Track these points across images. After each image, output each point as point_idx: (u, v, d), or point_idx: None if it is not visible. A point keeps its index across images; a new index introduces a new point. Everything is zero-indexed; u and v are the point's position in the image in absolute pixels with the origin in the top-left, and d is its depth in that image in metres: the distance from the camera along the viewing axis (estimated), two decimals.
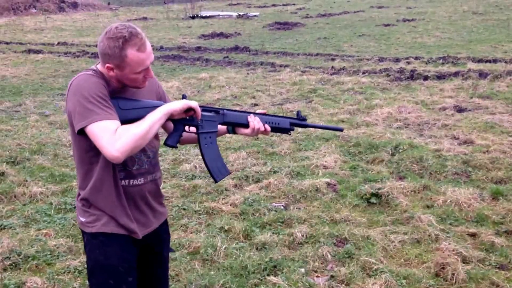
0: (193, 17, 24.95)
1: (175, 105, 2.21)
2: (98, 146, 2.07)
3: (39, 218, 4.68)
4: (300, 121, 2.50)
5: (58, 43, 17.08)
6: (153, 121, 2.14)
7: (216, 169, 2.43)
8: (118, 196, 2.28)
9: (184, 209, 4.80)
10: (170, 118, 2.24)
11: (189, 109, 2.27)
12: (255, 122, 2.41)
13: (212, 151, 2.40)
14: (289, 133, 2.53)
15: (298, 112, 2.54)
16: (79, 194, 2.35)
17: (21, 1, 30.47)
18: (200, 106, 2.31)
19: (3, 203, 5.00)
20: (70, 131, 2.26)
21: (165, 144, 2.35)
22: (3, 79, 11.62)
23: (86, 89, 2.11)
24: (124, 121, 2.15)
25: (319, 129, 6.56)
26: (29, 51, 15.56)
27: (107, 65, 2.16)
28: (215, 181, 2.46)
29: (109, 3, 36.08)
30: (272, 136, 6.88)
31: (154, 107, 2.22)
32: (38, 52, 15.33)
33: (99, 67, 2.25)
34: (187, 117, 2.31)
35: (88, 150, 2.20)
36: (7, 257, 3.94)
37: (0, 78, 11.67)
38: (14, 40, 18.31)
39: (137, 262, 2.42)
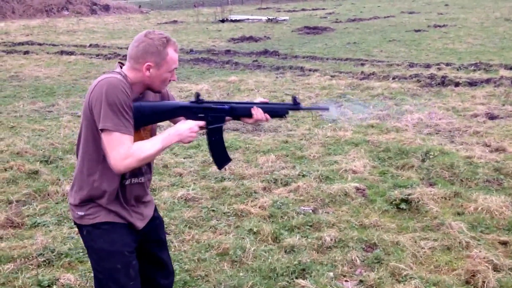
0: (222, 21, 25.10)
1: (185, 137, 2.44)
2: (107, 153, 2.29)
3: (71, 216, 4.75)
4: (294, 105, 2.69)
5: (90, 45, 17.36)
6: (164, 146, 2.37)
7: (220, 159, 2.72)
8: (120, 195, 2.44)
9: (213, 210, 4.84)
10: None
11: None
12: (258, 113, 2.60)
13: (219, 143, 2.66)
14: (285, 116, 2.74)
15: (295, 98, 2.70)
16: (76, 196, 2.44)
17: (54, 3, 31.11)
18: (209, 102, 2.57)
19: (37, 201, 5.11)
20: (83, 125, 2.38)
21: None
22: (37, 79, 11.87)
23: (115, 96, 2.27)
24: (147, 124, 2.47)
25: (347, 132, 6.52)
26: (62, 52, 15.84)
27: (148, 63, 2.34)
28: (219, 168, 2.82)
29: (140, 6, 36.55)
30: (301, 140, 6.90)
31: (173, 109, 2.51)
32: (70, 53, 15.60)
33: (126, 71, 2.39)
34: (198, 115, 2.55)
35: (102, 148, 2.34)
36: (41, 253, 4.03)
37: (33, 79, 11.92)
38: (47, 41, 18.67)
39: (138, 251, 2.56)
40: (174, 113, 2.53)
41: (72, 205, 2.48)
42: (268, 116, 2.64)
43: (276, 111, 2.68)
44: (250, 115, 2.61)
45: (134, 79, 2.38)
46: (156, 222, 2.69)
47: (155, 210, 2.72)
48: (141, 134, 2.45)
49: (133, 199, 2.51)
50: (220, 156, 2.71)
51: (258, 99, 2.69)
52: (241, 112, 2.62)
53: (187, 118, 2.51)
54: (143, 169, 2.52)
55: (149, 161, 2.39)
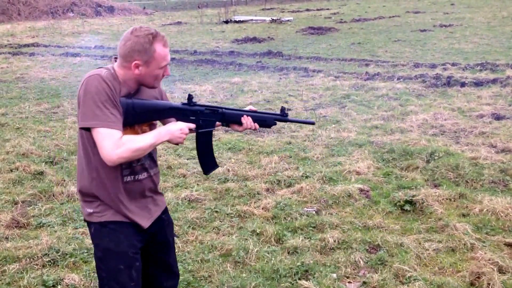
0: (226, 22, 25.11)
1: (175, 137, 2.40)
2: (99, 147, 2.25)
3: (76, 217, 4.79)
4: (282, 117, 2.74)
5: (95, 47, 17.41)
6: (154, 142, 2.33)
7: (207, 164, 2.73)
8: (124, 191, 2.42)
9: (216, 211, 4.83)
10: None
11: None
12: (248, 122, 2.62)
13: (207, 148, 2.69)
14: (271, 127, 2.78)
15: (282, 108, 2.74)
16: (82, 191, 2.45)
17: (59, 5, 31.22)
18: (201, 105, 2.57)
19: (42, 202, 5.13)
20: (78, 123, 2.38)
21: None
22: (42, 81, 11.92)
23: (97, 93, 2.25)
24: (138, 123, 2.42)
25: (351, 136, 6.50)
26: (67, 54, 15.90)
27: (135, 62, 2.31)
28: (205, 174, 2.81)
29: (144, 8, 36.62)
30: (305, 141, 6.88)
31: (164, 109, 2.48)
32: (75, 55, 15.66)
33: (116, 68, 2.37)
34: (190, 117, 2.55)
35: (94, 144, 2.32)
36: (46, 254, 4.05)
37: (39, 81, 11.97)
38: (52, 43, 18.76)
39: (144, 250, 2.56)
40: (165, 113, 2.51)
41: (81, 202, 2.50)
42: (257, 126, 2.66)
43: (265, 121, 2.71)
44: (240, 123, 2.63)
45: (125, 76, 2.36)
46: (164, 223, 2.68)
47: (165, 211, 2.70)
48: (138, 132, 2.45)
49: (138, 197, 2.50)
50: (207, 161, 2.72)
51: (248, 107, 2.70)
52: (231, 118, 2.63)
53: (178, 119, 2.50)
54: (146, 165, 2.50)
55: (141, 154, 2.32)
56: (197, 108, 2.55)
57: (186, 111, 2.53)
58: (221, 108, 2.61)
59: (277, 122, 2.76)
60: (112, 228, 2.43)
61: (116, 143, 2.23)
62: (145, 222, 2.51)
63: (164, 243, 2.70)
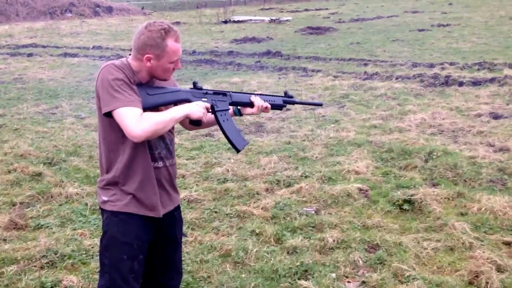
0: (225, 22, 25.11)
1: (195, 111, 2.47)
2: (123, 126, 2.32)
3: (74, 218, 4.78)
4: (288, 98, 2.83)
5: (93, 47, 17.40)
6: (174, 116, 2.40)
7: (237, 140, 2.71)
8: (149, 175, 2.48)
9: (215, 212, 4.84)
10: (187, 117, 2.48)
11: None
12: (257, 100, 2.71)
13: (230, 125, 2.69)
14: (282, 109, 2.86)
15: (286, 92, 2.84)
16: (103, 178, 2.53)
17: (58, 6, 31.18)
18: (210, 90, 2.65)
19: (40, 203, 5.12)
20: (98, 115, 2.47)
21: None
22: (40, 82, 11.91)
23: (112, 78, 2.34)
24: (152, 106, 2.45)
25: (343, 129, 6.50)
26: (65, 54, 15.89)
27: (147, 55, 2.40)
28: (237, 151, 2.75)
29: (143, 8, 36.60)
30: (304, 140, 6.89)
31: (177, 92, 2.55)
32: (73, 55, 15.65)
33: (130, 60, 2.47)
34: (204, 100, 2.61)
35: (119, 129, 2.37)
36: (44, 255, 4.03)
37: (37, 81, 11.97)
38: (50, 43, 18.74)
39: (152, 244, 2.59)
40: (176, 96, 2.56)
41: (99, 188, 2.57)
42: (268, 105, 2.73)
43: (274, 101, 2.77)
44: (250, 105, 2.71)
45: (137, 67, 2.45)
46: (175, 220, 2.72)
47: (177, 208, 2.74)
48: None
49: (157, 184, 2.53)
50: (236, 138, 2.70)
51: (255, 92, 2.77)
52: (240, 100, 2.70)
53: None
54: (162, 154, 2.55)
55: (163, 127, 2.37)
56: (206, 90, 2.64)
57: (196, 93, 2.61)
58: (228, 92, 2.69)
59: (287, 105, 2.82)
60: (123, 218, 2.49)
61: (138, 119, 2.29)
62: (159, 210, 2.55)
63: (172, 240, 2.73)
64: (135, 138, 2.32)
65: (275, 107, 2.79)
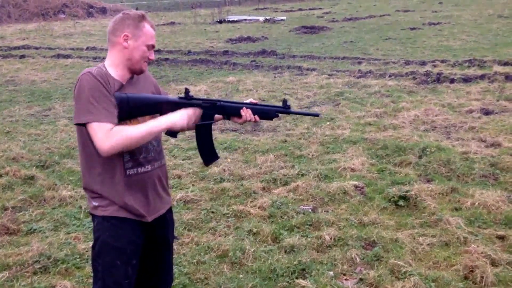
0: (220, 22, 25.08)
1: (178, 122, 2.47)
2: (94, 141, 2.31)
3: (68, 221, 4.72)
4: (284, 109, 2.71)
5: (87, 48, 17.35)
6: (152, 129, 2.38)
7: (207, 156, 2.74)
8: (126, 185, 2.44)
9: (212, 212, 4.85)
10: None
11: None
12: (247, 114, 2.63)
13: (207, 140, 2.69)
14: (273, 119, 2.75)
15: (284, 101, 2.72)
16: (85, 185, 2.50)
17: (50, 7, 31.05)
18: (199, 99, 2.59)
19: (33, 207, 5.05)
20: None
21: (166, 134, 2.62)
22: (33, 83, 11.85)
23: (90, 89, 2.32)
24: (134, 116, 2.43)
25: (348, 132, 6.52)
26: (58, 56, 15.83)
27: (125, 33, 2.42)
28: (206, 165, 2.82)
29: (137, 8, 36.50)
30: (300, 139, 6.92)
31: (161, 103, 2.50)
32: (67, 57, 15.60)
33: (107, 58, 2.47)
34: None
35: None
36: (37, 260, 3.96)
37: (30, 83, 11.91)
38: (43, 45, 18.64)
39: (143, 247, 2.57)
40: (162, 107, 2.51)
41: (87, 195, 2.54)
42: (257, 118, 2.66)
43: (266, 113, 2.68)
44: (239, 115, 2.64)
45: (115, 59, 2.44)
46: (166, 222, 2.70)
47: (169, 211, 2.72)
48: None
49: (143, 189, 2.51)
50: (208, 152, 2.72)
51: (249, 100, 2.70)
52: (230, 111, 2.64)
53: None
54: (150, 157, 2.51)
55: (135, 142, 2.34)
56: (195, 102, 2.56)
57: (183, 105, 2.54)
58: (220, 101, 2.62)
59: (280, 115, 2.75)
60: (114, 223, 2.45)
61: (106, 134, 2.28)
62: (149, 215, 2.53)
63: (163, 241, 2.71)
64: (103, 154, 2.31)
65: (266, 118, 2.71)
